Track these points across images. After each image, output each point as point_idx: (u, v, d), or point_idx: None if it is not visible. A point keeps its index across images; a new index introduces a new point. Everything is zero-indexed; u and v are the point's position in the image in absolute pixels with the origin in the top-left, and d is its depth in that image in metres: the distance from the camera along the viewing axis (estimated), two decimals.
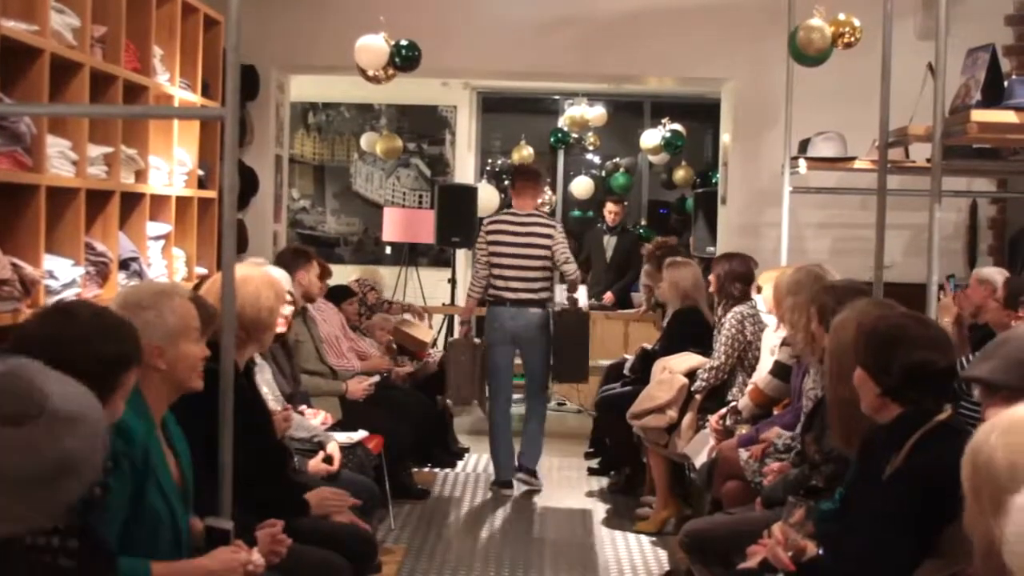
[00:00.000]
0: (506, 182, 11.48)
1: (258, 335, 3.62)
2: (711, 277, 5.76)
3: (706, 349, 5.69)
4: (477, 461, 7.22)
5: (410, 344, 7.03)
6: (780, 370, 4.81)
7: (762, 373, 5.00)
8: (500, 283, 6.49)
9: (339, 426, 5.00)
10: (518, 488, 6.55)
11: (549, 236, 6.46)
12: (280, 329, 4.42)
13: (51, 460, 1.74)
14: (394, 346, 6.88)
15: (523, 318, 6.46)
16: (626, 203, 10.22)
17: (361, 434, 4.91)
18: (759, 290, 5.29)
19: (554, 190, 11.08)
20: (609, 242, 9.57)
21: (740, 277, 5.55)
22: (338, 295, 6.62)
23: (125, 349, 2.37)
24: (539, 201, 6.87)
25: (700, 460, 4.95)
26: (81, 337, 2.28)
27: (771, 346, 5.01)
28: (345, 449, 4.58)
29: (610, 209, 9.63)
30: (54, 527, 2.04)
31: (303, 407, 4.80)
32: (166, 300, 2.78)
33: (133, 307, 2.71)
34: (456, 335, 7.29)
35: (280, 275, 4.56)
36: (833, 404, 3.32)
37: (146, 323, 2.68)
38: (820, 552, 2.83)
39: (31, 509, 1.78)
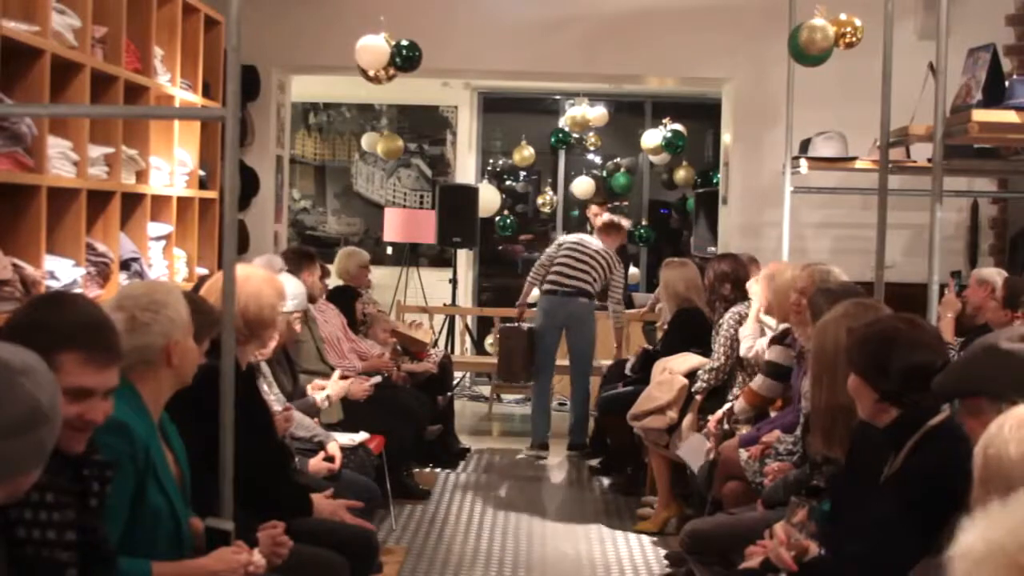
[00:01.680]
0: (507, 182, 11.51)
1: (260, 333, 3.61)
2: (706, 280, 5.77)
3: (707, 349, 5.68)
4: (478, 461, 7.23)
5: (410, 345, 7.03)
6: (773, 370, 4.80)
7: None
8: (560, 279, 7.33)
9: (340, 426, 5.00)
10: (553, 455, 7.33)
11: (610, 271, 7.42)
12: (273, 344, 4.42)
13: (26, 407, 1.81)
14: (397, 348, 6.88)
15: (572, 305, 7.29)
16: (610, 205, 10.24)
17: (362, 436, 4.91)
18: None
19: (555, 190, 11.08)
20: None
21: (729, 278, 5.55)
22: (342, 295, 6.62)
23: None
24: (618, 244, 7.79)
25: (697, 465, 4.93)
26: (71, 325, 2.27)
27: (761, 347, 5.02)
28: (346, 449, 4.58)
29: (594, 211, 9.73)
30: (50, 520, 2.04)
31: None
32: (175, 297, 2.79)
33: (153, 304, 2.70)
34: (515, 316, 8.03)
35: (293, 286, 4.55)
36: (815, 407, 3.32)
37: (168, 320, 2.70)
38: (822, 552, 2.83)
39: (24, 460, 1.85)
